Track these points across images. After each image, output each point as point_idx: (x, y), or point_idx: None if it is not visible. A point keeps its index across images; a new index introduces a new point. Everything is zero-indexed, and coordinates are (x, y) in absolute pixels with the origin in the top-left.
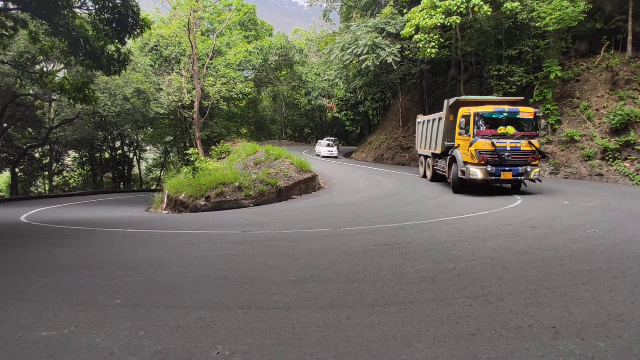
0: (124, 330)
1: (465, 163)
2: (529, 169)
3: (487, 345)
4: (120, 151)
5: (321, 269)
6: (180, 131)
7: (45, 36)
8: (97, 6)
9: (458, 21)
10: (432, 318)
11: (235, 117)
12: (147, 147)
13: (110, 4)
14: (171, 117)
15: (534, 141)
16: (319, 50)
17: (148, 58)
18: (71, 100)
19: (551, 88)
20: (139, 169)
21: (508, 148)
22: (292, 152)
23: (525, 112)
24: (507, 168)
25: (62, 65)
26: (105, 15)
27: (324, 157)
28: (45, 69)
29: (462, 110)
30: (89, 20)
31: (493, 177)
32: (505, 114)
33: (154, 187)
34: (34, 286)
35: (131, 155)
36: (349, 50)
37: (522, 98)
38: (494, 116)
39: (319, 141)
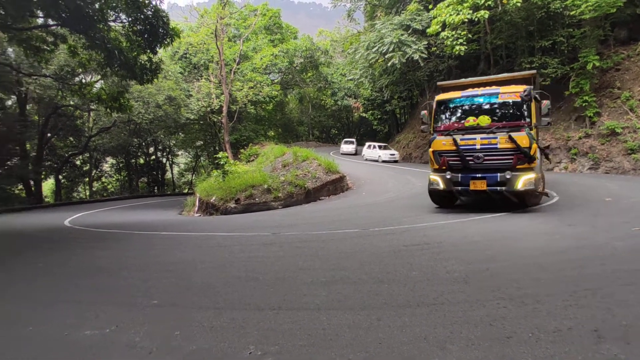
0: (161, 330)
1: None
2: (510, 176)
3: (523, 349)
4: (154, 157)
5: (351, 270)
6: (210, 136)
7: (83, 50)
8: (130, 19)
9: (486, 15)
10: (465, 320)
11: (262, 120)
12: (179, 152)
13: (142, 16)
14: (201, 122)
15: (519, 135)
16: (344, 50)
17: (178, 66)
18: (108, 110)
19: (589, 79)
20: (172, 173)
21: (477, 146)
22: (320, 153)
23: (508, 94)
24: (478, 175)
25: (99, 77)
26: (138, 27)
27: (384, 161)
28: (83, 81)
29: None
30: (123, 32)
31: (459, 188)
32: (480, 100)
33: (186, 190)
34: (77, 287)
35: (164, 160)
36: (374, 49)
37: (534, 72)
38: (463, 103)
39: (344, 140)
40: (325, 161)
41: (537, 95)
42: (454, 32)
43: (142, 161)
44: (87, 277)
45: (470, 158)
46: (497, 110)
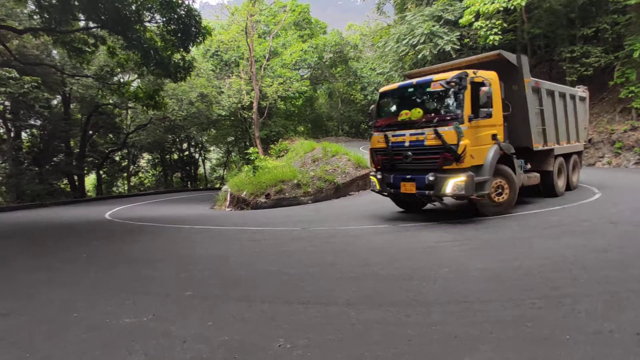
0: (195, 321)
1: None
2: (434, 178)
3: (560, 351)
4: (187, 152)
5: (380, 266)
6: (240, 131)
7: (121, 50)
8: (164, 18)
9: (523, 3)
10: (497, 319)
11: (292, 115)
12: (211, 148)
13: (175, 16)
14: (232, 118)
15: (446, 130)
16: (373, 44)
17: (210, 63)
18: (144, 107)
19: (635, 68)
20: (204, 168)
21: (406, 143)
22: (349, 148)
23: (439, 82)
24: (408, 176)
25: (135, 76)
26: (172, 26)
27: None
28: (121, 80)
29: None
30: (158, 32)
31: (392, 190)
32: (412, 89)
33: (217, 185)
34: (117, 277)
35: (197, 155)
36: (404, 42)
37: (498, 52)
38: (402, 94)
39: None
40: (355, 156)
41: (484, 81)
42: (488, 22)
43: (176, 157)
44: (126, 268)
45: (399, 157)
46: (430, 102)
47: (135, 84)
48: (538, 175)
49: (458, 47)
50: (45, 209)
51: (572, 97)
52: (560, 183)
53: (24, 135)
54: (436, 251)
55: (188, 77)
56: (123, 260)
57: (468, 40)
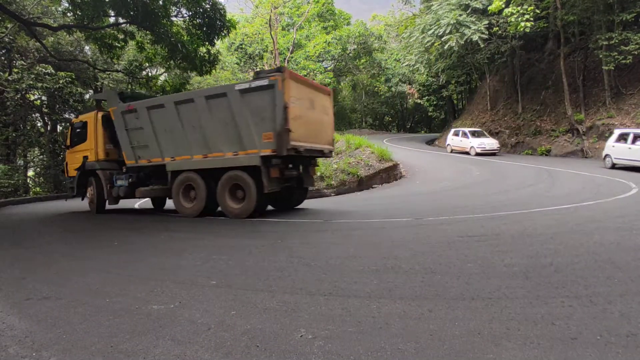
0: (219, 309)
1: None
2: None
3: (590, 352)
4: None
5: (403, 259)
6: None
7: (149, 45)
8: (190, 13)
9: None
10: (523, 317)
11: None
12: None
13: (201, 10)
14: None
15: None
16: (398, 35)
17: (234, 56)
18: None
19: None
20: None
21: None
22: (373, 141)
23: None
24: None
25: (162, 70)
26: (197, 20)
27: (478, 154)
28: (149, 74)
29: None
30: (184, 26)
31: None
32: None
33: None
34: (146, 265)
35: None
36: (430, 32)
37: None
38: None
39: (457, 131)
40: (379, 149)
41: (80, 122)
42: (518, 8)
43: None
44: (154, 256)
45: None
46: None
47: (162, 78)
48: (164, 188)
49: (486, 37)
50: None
51: (221, 95)
52: (187, 203)
53: (59, 128)
54: (461, 246)
55: (213, 71)
56: (151, 248)
57: (497, 28)
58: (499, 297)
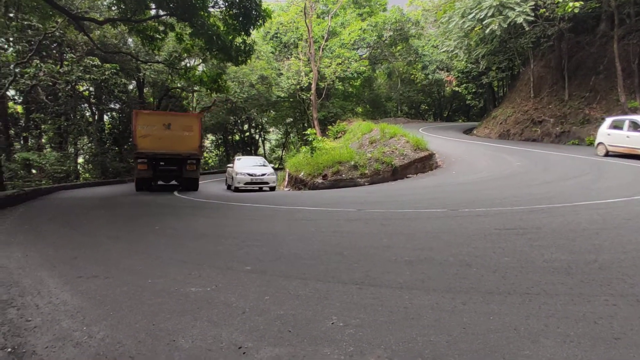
0: (253, 294)
1: None
2: None
3: (634, 353)
4: (247, 133)
5: (436, 251)
6: (299, 113)
7: (187, 36)
8: (226, 3)
9: None
10: (563, 314)
11: (350, 96)
12: (271, 129)
13: (237, 0)
14: (291, 99)
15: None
16: (436, 20)
17: (269, 46)
18: (208, 90)
19: None
20: (264, 149)
21: None
22: (408, 130)
23: None
24: None
25: (200, 61)
26: (234, 10)
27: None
28: (188, 65)
29: None
30: (220, 17)
31: None
32: None
33: (276, 166)
34: (185, 249)
35: (257, 137)
36: (470, 16)
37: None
38: None
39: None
40: (414, 138)
41: None
42: None
43: (237, 138)
44: (192, 241)
45: None
46: None
47: (200, 68)
48: None
49: (532, 19)
50: (123, 185)
51: None
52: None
53: (105, 117)
54: (498, 239)
55: (249, 60)
56: (189, 233)
57: (544, 10)
58: (537, 293)
